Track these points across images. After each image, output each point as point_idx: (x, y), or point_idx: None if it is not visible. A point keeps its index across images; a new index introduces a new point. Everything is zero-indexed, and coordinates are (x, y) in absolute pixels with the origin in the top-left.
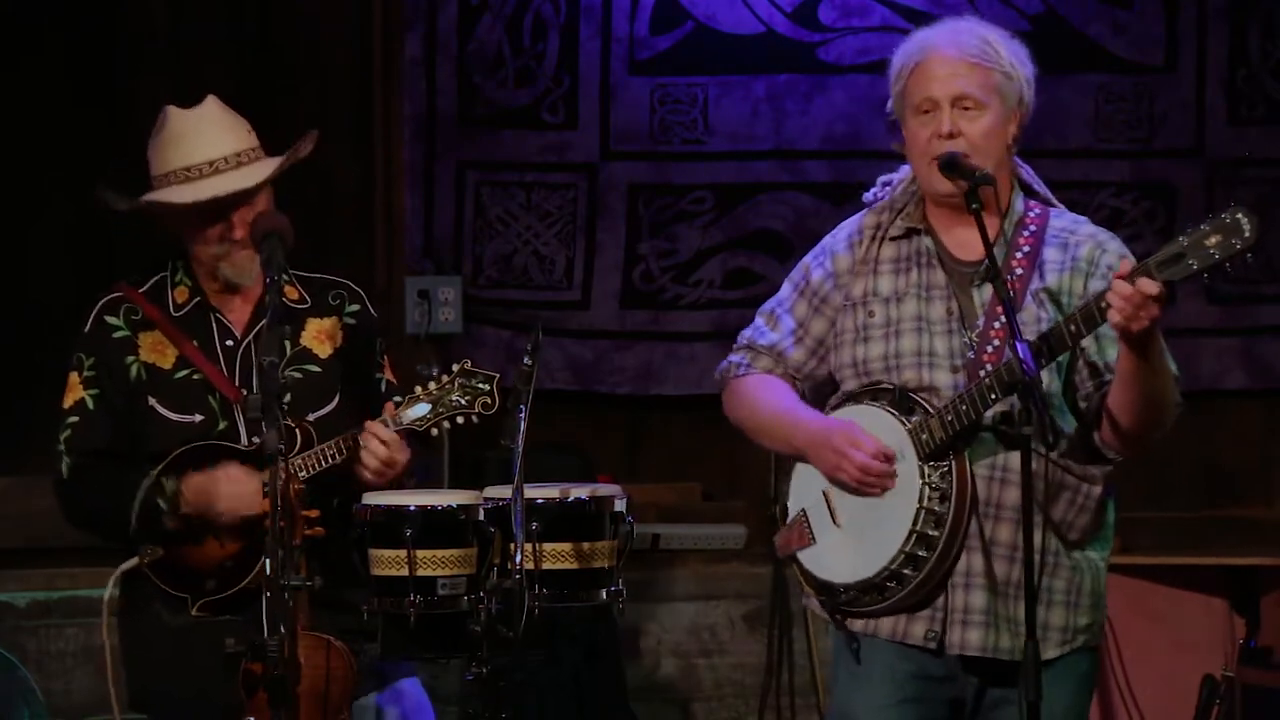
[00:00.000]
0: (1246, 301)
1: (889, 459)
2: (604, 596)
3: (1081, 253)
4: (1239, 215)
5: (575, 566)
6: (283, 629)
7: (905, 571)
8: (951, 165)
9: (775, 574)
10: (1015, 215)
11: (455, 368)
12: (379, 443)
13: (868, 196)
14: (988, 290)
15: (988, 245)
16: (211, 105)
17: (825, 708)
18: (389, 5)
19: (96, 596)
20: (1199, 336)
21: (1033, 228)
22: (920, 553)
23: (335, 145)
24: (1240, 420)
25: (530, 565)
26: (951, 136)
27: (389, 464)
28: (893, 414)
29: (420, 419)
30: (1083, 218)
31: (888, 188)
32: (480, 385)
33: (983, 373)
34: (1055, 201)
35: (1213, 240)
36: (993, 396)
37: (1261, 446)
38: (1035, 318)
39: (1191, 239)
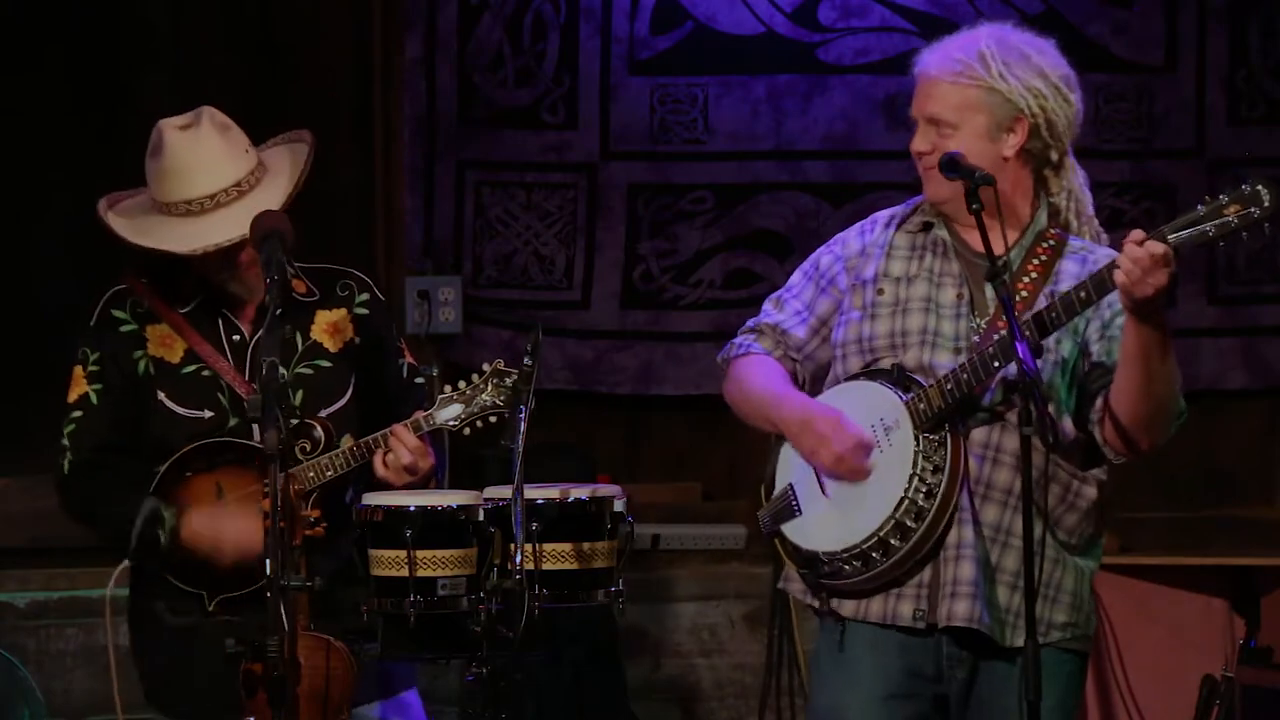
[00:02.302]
0: (1246, 301)
1: (867, 451)
2: (604, 597)
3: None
4: (1259, 186)
5: (575, 567)
6: (284, 628)
7: (892, 541)
8: (951, 165)
9: (775, 574)
10: (1038, 227)
11: (487, 367)
12: (404, 449)
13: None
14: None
15: (987, 245)
16: (207, 128)
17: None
18: (389, 5)
19: (97, 596)
20: (1199, 336)
21: (1051, 242)
22: (909, 522)
23: (335, 145)
24: (1241, 420)
25: (530, 565)
26: (920, 155)
27: (411, 470)
28: (889, 388)
29: (453, 419)
30: (1102, 246)
31: None
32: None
33: (990, 345)
34: (1099, 230)
35: (1231, 209)
36: (996, 365)
37: (1262, 446)
38: None
39: (1209, 208)
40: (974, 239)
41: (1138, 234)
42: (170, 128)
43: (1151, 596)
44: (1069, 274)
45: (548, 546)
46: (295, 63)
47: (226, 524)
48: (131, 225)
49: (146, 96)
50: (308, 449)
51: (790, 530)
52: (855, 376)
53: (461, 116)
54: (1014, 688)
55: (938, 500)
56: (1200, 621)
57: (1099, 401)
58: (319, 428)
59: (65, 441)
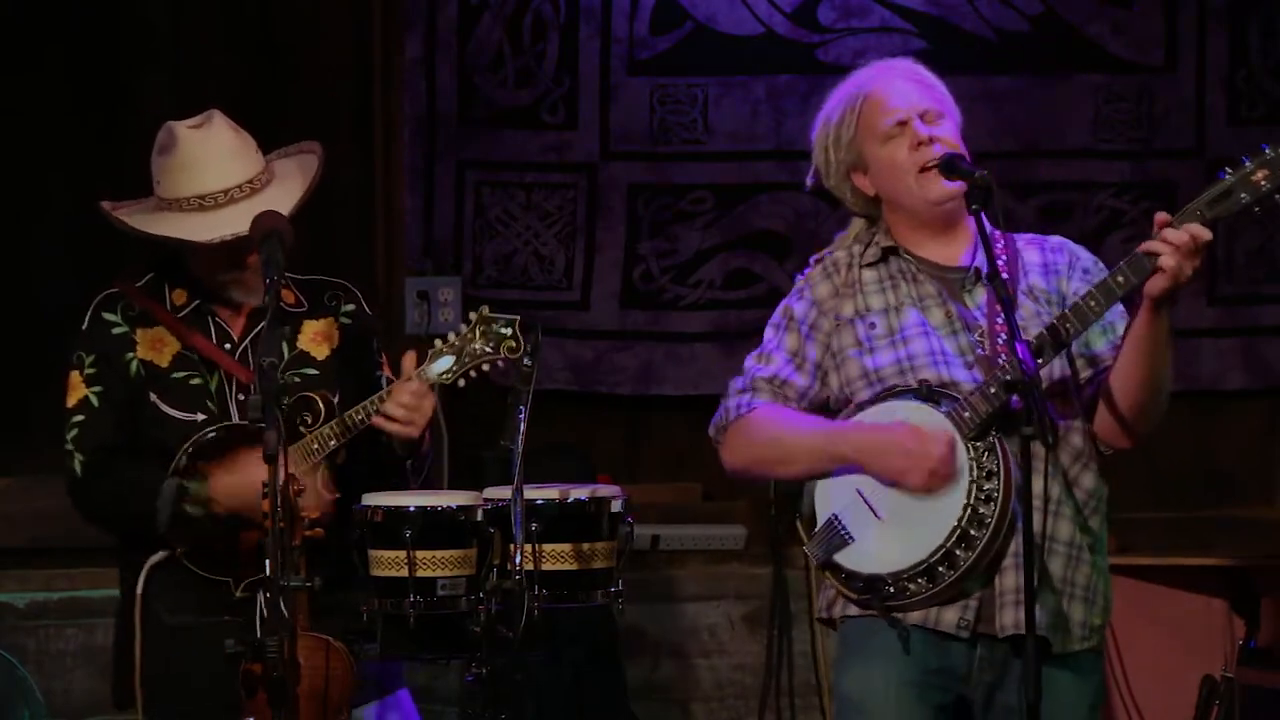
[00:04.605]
0: (1246, 302)
1: (954, 450)
2: (603, 597)
3: (1062, 258)
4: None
5: (575, 567)
6: (283, 629)
7: (957, 552)
8: (951, 167)
9: (775, 574)
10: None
11: (473, 316)
12: (404, 392)
13: (824, 253)
14: (979, 294)
15: (987, 245)
16: (220, 126)
17: (828, 708)
18: (389, 5)
19: (96, 596)
20: (1199, 337)
21: (1002, 241)
22: (973, 531)
23: (335, 145)
24: (1240, 420)
25: (530, 566)
26: (932, 140)
27: (416, 409)
28: (922, 403)
29: (446, 371)
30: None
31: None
32: (502, 330)
33: (1003, 360)
34: None
35: (1260, 175)
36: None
37: (1262, 446)
38: (1034, 313)
39: (1238, 176)
40: (932, 254)
41: (1164, 216)
42: (181, 126)
43: (1151, 597)
44: (1034, 265)
45: (547, 547)
46: (295, 63)
47: (252, 471)
48: (140, 219)
49: (146, 96)
50: (309, 421)
51: (845, 558)
52: (880, 399)
53: (461, 116)
54: (1064, 693)
55: (998, 506)
56: (1200, 621)
57: (1089, 395)
58: (319, 399)
59: (70, 446)
